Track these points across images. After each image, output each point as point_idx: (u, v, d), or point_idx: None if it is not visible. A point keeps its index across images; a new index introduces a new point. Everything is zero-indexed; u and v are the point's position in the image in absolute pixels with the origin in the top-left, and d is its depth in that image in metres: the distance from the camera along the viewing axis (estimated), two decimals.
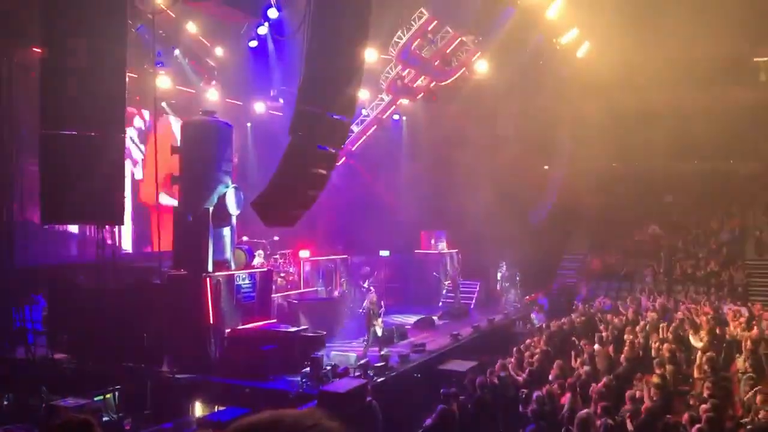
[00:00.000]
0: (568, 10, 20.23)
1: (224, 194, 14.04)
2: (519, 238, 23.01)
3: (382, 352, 14.09)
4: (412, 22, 19.43)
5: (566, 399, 9.59)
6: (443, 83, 21.69)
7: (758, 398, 9.12)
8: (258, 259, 16.55)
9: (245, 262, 15.17)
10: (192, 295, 13.41)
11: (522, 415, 9.79)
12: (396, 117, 25.75)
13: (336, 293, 19.92)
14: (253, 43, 19.08)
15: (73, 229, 17.92)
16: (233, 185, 14.45)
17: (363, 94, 20.29)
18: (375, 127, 23.47)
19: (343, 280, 20.69)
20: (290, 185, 12.79)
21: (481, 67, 21.55)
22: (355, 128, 22.32)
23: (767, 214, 27.21)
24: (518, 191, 24.75)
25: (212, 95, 20.55)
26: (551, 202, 26.94)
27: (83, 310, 13.97)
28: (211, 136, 14.55)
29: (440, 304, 22.44)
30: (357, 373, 12.52)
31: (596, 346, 13.07)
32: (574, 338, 14.71)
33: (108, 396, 11.78)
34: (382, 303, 15.69)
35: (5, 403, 11.99)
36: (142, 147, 20.13)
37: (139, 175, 20.07)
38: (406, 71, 21.35)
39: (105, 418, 11.03)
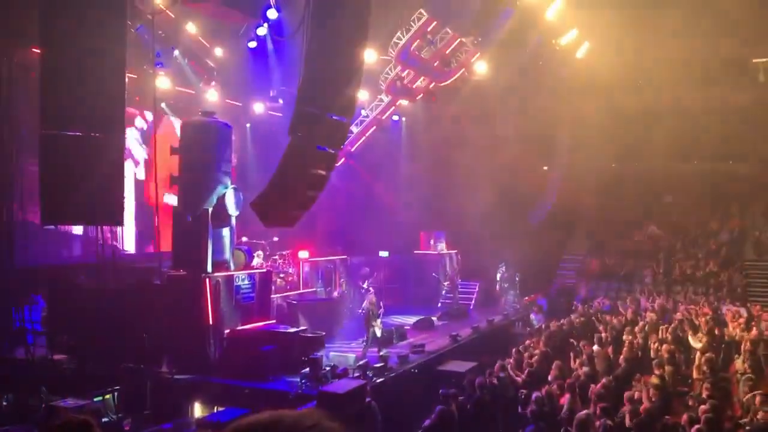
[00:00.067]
0: (567, 11, 20.25)
1: (223, 195, 14.05)
2: (518, 238, 23.04)
3: (382, 353, 14.09)
4: (412, 23, 19.44)
5: (565, 400, 9.60)
6: (442, 84, 21.70)
7: (757, 399, 9.13)
8: (257, 260, 16.55)
9: (244, 263, 15.18)
10: (191, 295, 13.42)
11: (521, 415, 9.80)
12: (395, 118, 25.76)
13: (335, 294, 19.91)
14: (253, 44, 19.09)
15: (73, 229, 17.94)
16: (232, 186, 14.46)
17: (362, 95, 20.32)
18: (374, 127, 23.48)
19: (343, 281, 20.68)
20: (290, 186, 12.79)
21: (481, 67, 21.57)
22: (354, 129, 22.34)
23: (766, 214, 27.23)
24: (517, 192, 24.78)
25: (212, 96, 20.57)
26: (551, 203, 26.96)
27: (83, 310, 13.99)
28: (211, 137, 14.55)
29: (439, 304, 22.44)
30: (356, 374, 12.53)
31: (595, 347, 13.07)
32: (573, 339, 14.72)
33: (107, 396, 11.81)
34: (381, 304, 15.69)
35: (5, 403, 11.99)
36: (144, 148, 20.14)
37: (141, 176, 20.09)
38: (406, 72, 21.35)
39: (104, 419, 11.03)
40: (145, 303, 13.65)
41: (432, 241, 24.36)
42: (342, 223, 23.73)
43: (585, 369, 11.39)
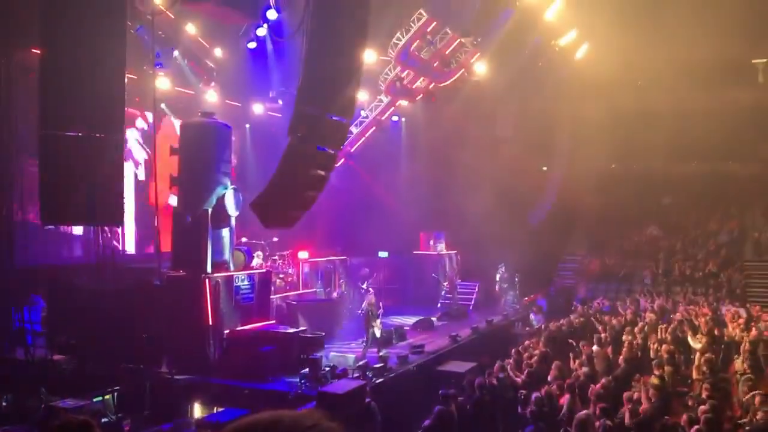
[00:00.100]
0: (566, 12, 20.27)
1: (223, 195, 14.05)
2: (518, 238, 23.04)
3: (381, 354, 14.08)
4: (411, 24, 19.45)
5: (565, 400, 9.60)
6: (442, 84, 21.71)
7: (756, 399, 9.14)
8: (257, 260, 16.54)
9: (244, 263, 15.18)
10: (191, 296, 13.42)
11: (521, 416, 9.80)
12: (395, 118, 25.76)
13: (335, 294, 19.92)
14: (252, 45, 19.09)
15: (73, 229, 17.94)
16: (232, 186, 14.46)
17: (362, 96, 20.32)
18: (374, 128, 23.48)
19: (342, 282, 20.68)
20: (289, 186, 12.80)
21: (480, 68, 21.58)
22: (354, 129, 22.34)
23: (766, 215, 27.27)
24: (517, 192, 24.78)
25: (211, 96, 20.57)
26: (550, 203, 26.97)
27: (82, 311, 13.98)
28: (210, 138, 14.56)
29: (439, 305, 22.44)
30: (356, 374, 12.53)
31: (595, 348, 13.07)
32: (572, 340, 14.72)
33: (107, 397, 11.80)
34: (381, 304, 15.69)
35: (4, 404, 11.97)
36: (145, 149, 20.16)
37: (141, 177, 20.11)
38: (405, 72, 21.35)
39: (104, 419, 11.02)
40: (144, 303, 13.64)
41: (432, 242, 24.37)
42: (341, 224, 23.72)
43: (584, 369, 11.40)
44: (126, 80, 12.39)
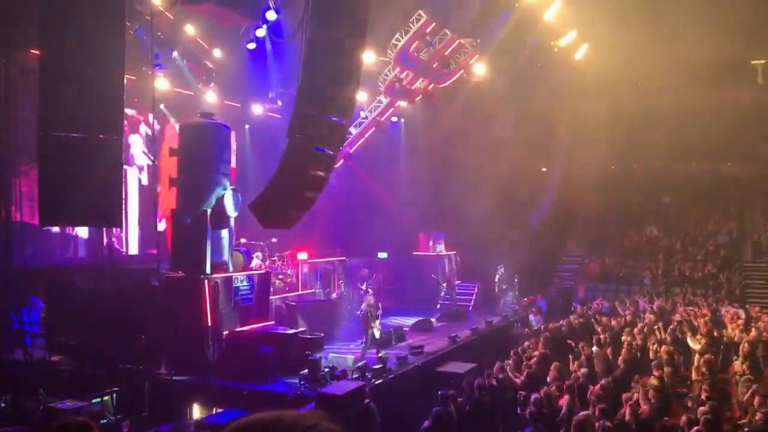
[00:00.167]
0: (566, 13, 20.27)
1: (222, 196, 14.03)
2: (517, 239, 23.08)
3: (380, 354, 14.06)
4: (411, 25, 19.44)
5: (564, 401, 9.60)
6: (441, 85, 21.70)
7: (755, 400, 9.14)
8: (256, 261, 16.53)
9: (243, 264, 15.16)
10: (190, 296, 13.40)
11: (520, 417, 9.79)
12: (394, 119, 25.77)
13: (334, 295, 19.90)
14: (252, 45, 19.06)
15: (72, 230, 17.95)
16: (231, 187, 14.45)
17: (361, 96, 20.30)
18: (373, 129, 23.47)
19: (342, 282, 20.67)
20: (288, 187, 12.79)
21: (480, 69, 21.57)
22: (353, 130, 22.33)
23: (765, 216, 27.29)
24: (517, 193, 24.81)
25: (210, 97, 20.57)
26: (550, 203, 26.98)
27: (81, 311, 13.97)
28: (209, 138, 14.54)
29: (438, 306, 22.42)
30: (355, 375, 12.51)
31: (594, 348, 13.07)
32: (571, 340, 14.71)
33: (106, 398, 11.77)
34: (380, 305, 15.67)
35: (3, 405, 11.96)
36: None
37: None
38: (405, 73, 21.35)
39: (103, 421, 11.00)
40: (143, 304, 13.63)
41: (431, 243, 24.35)
42: (341, 225, 23.72)
43: (584, 370, 11.39)
44: (125, 81, 12.38)
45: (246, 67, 20.64)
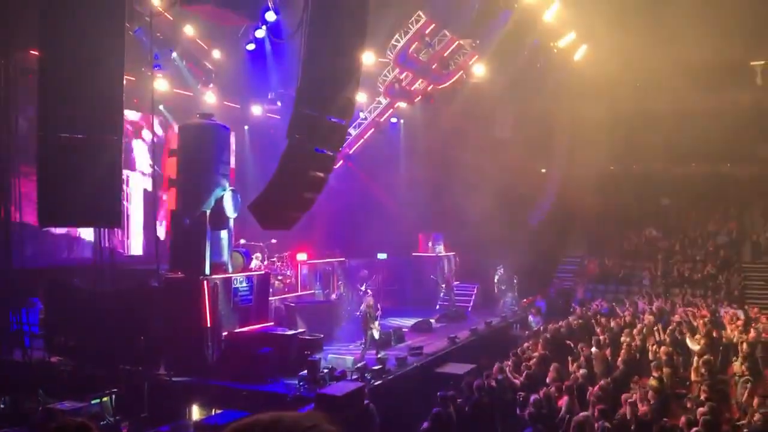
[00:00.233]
0: (565, 14, 20.29)
1: (221, 197, 14.02)
2: (517, 240, 23.06)
3: (380, 355, 14.06)
4: (410, 26, 19.47)
5: (563, 402, 9.59)
6: (441, 86, 21.71)
7: (755, 401, 9.15)
8: (255, 262, 16.54)
9: (242, 265, 15.16)
10: (189, 297, 13.39)
11: (519, 417, 9.79)
12: (394, 120, 25.80)
13: (333, 296, 19.91)
14: (251, 46, 19.06)
15: (71, 231, 17.95)
16: (230, 188, 14.44)
17: (360, 97, 20.30)
18: (373, 129, 23.49)
19: (341, 283, 20.67)
20: (288, 188, 12.78)
21: (479, 70, 21.59)
22: (352, 131, 22.35)
23: (764, 216, 27.31)
24: (516, 193, 24.81)
25: (210, 98, 20.57)
26: (549, 204, 26.99)
27: (80, 312, 13.96)
28: (209, 139, 14.54)
29: (438, 307, 22.43)
30: (354, 376, 12.51)
31: (593, 349, 13.08)
32: (570, 342, 14.71)
33: (105, 399, 11.76)
34: (379, 306, 15.66)
35: (2, 406, 11.96)
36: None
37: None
38: (404, 74, 21.37)
39: (102, 422, 11.00)
40: (142, 305, 13.63)
41: (430, 243, 24.35)
42: (340, 226, 23.72)
43: (583, 371, 11.39)
44: (125, 82, 12.38)
45: (245, 67, 20.64)
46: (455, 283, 23.81)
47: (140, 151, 20.38)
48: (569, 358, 12.97)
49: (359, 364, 13.09)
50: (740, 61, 25.89)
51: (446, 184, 25.13)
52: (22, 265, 14.69)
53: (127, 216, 20.14)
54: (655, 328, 15.26)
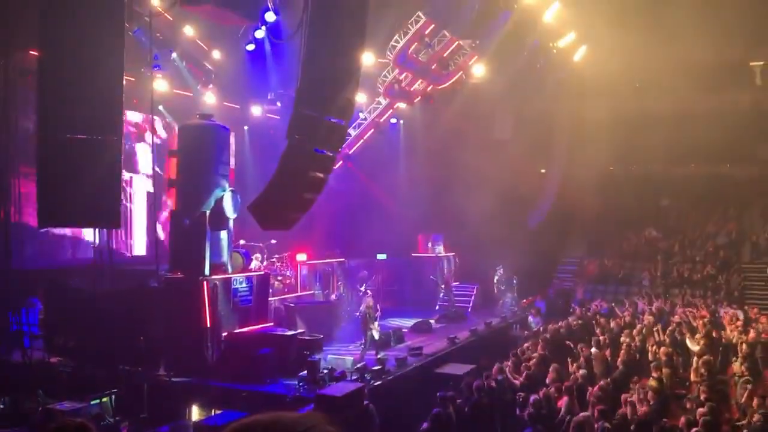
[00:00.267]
0: (565, 14, 20.29)
1: (221, 197, 14.02)
2: (517, 240, 23.06)
3: (379, 356, 14.05)
4: (410, 26, 19.45)
5: (563, 402, 9.59)
6: (440, 87, 21.70)
7: (754, 401, 9.15)
8: (255, 263, 16.54)
9: (242, 266, 15.16)
10: (189, 298, 13.38)
11: (519, 418, 9.79)
12: (393, 120, 25.78)
13: (333, 297, 19.91)
14: (251, 47, 19.07)
15: (70, 232, 17.95)
16: (230, 188, 14.44)
17: (360, 98, 20.30)
18: (372, 130, 23.48)
19: (341, 284, 20.68)
20: (287, 189, 12.77)
21: (479, 70, 21.58)
22: (352, 132, 22.34)
23: (763, 217, 27.32)
24: (516, 194, 24.80)
25: (209, 98, 20.56)
26: (549, 205, 26.98)
27: (80, 313, 13.96)
28: (208, 140, 14.53)
29: (437, 307, 22.42)
30: (354, 377, 12.50)
31: (593, 350, 13.08)
32: (569, 342, 14.71)
33: (104, 400, 11.76)
34: (378, 306, 15.65)
35: (1, 406, 11.94)
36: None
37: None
38: (404, 75, 21.36)
39: (102, 422, 10.99)
40: (142, 306, 13.62)
41: (430, 244, 24.35)
42: (340, 226, 23.72)
43: (582, 372, 11.39)
44: (124, 82, 12.38)
45: (245, 68, 20.65)
46: (455, 283, 23.81)
47: (144, 154, 20.43)
48: (569, 359, 12.97)
49: (359, 365, 13.08)
50: (740, 62, 25.90)
51: (446, 185, 25.12)
52: (21, 266, 14.70)
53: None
54: (655, 329, 15.26)
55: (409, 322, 19.26)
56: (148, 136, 20.13)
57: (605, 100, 25.87)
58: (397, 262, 24.12)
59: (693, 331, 14.88)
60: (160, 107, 19.81)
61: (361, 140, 23.45)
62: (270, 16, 16.92)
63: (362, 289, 19.39)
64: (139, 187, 20.36)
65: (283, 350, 13.42)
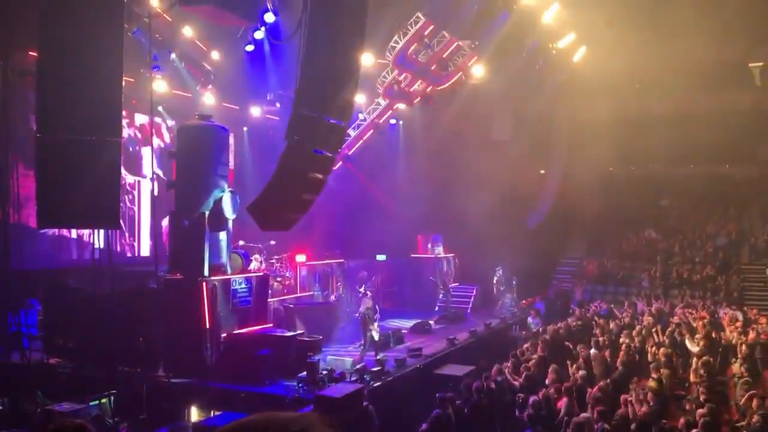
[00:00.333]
0: (564, 15, 20.29)
1: (220, 198, 14.02)
2: (516, 241, 23.04)
3: (379, 357, 14.05)
4: (409, 27, 19.46)
5: (563, 403, 9.59)
6: (440, 88, 21.71)
7: (753, 402, 9.14)
8: (254, 264, 16.52)
9: (241, 267, 15.15)
10: (188, 299, 13.38)
11: (518, 419, 9.79)
12: (393, 121, 25.77)
13: (332, 297, 19.90)
14: (250, 47, 19.06)
15: (70, 233, 17.94)
16: (229, 189, 14.43)
17: (359, 98, 20.32)
18: (372, 131, 23.49)
19: (340, 285, 20.66)
20: (287, 189, 12.76)
21: (478, 71, 21.59)
22: (351, 132, 22.35)
23: (763, 218, 27.31)
24: (516, 195, 24.79)
25: (208, 99, 20.55)
26: (549, 206, 26.97)
27: (79, 314, 13.94)
28: (207, 140, 14.53)
29: (437, 308, 22.41)
30: (353, 378, 12.49)
31: (592, 351, 13.07)
32: (569, 343, 14.70)
33: (104, 401, 11.75)
34: (378, 307, 15.63)
35: (1, 407, 11.94)
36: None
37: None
38: (403, 75, 21.37)
39: (101, 423, 10.98)
40: (141, 307, 13.62)
41: (429, 245, 24.34)
42: (339, 227, 23.71)
43: (582, 372, 11.38)
44: (123, 83, 12.37)
45: (244, 69, 20.64)
46: (454, 284, 23.81)
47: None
48: (568, 360, 12.97)
49: (358, 366, 13.07)
50: (740, 62, 25.92)
51: (445, 185, 25.12)
52: (20, 267, 14.67)
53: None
54: (654, 330, 15.26)
55: (408, 323, 19.25)
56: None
57: (605, 100, 25.88)
58: (396, 263, 24.11)
59: (692, 332, 14.87)
60: (160, 108, 19.80)
61: (361, 141, 23.46)
62: (269, 17, 16.90)
63: (361, 290, 19.33)
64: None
65: (283, 351, 13.41)
